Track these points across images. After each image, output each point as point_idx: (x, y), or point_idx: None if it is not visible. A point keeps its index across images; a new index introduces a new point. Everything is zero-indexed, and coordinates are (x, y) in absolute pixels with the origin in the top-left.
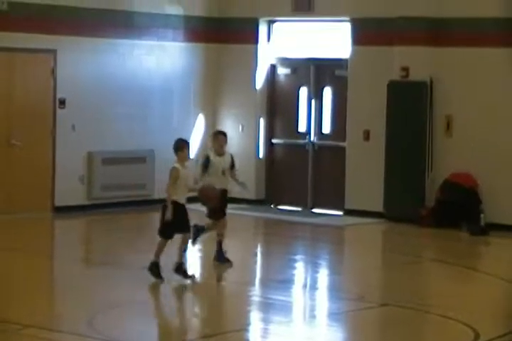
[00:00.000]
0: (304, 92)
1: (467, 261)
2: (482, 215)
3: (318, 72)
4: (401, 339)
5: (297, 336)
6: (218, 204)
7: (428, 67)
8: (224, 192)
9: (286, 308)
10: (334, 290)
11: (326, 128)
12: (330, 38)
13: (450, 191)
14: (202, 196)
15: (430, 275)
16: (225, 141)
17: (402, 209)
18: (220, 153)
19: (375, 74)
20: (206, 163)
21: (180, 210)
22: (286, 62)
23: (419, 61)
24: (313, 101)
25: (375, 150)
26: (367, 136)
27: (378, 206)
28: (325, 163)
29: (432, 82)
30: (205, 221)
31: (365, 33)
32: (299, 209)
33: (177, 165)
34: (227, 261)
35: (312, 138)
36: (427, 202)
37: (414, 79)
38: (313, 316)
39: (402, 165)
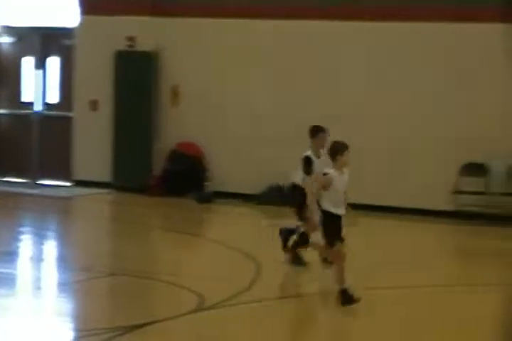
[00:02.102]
0: (28, 62)
1: (193, 228)
2: (207, 183)
3: (44, 41)
4: (129, 308)
5: (24, 308)
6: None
7: (155, 37)
8: None
9: (11, 281)
10: (61, 261)
11: (52, 98)
12: (57, 7)
13: (177, 160)
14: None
15: (158, 243)
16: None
17: (131, 179)
18: (319, 154)
19: (102, 44)
20: (309, 164)
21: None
22: (10, 30)
23: (146, 31)
24: (38, 71)
25: (102, 120)
26: (94, 105)
27: (107, 176)
28: (51, 133)
29: (158, 51)
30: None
31: (92, 2)
32: (25, 180)
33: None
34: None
35: (37, 109)
36: (155, 172)
37: (140, 49)
38: (39, 287)
39: (130, 135)
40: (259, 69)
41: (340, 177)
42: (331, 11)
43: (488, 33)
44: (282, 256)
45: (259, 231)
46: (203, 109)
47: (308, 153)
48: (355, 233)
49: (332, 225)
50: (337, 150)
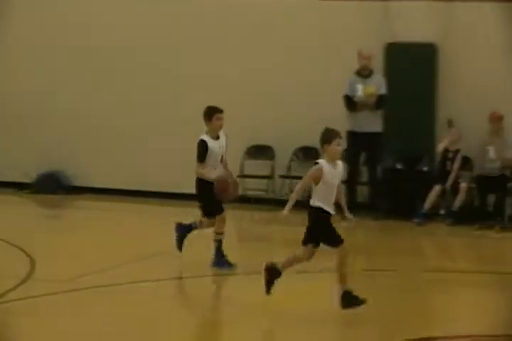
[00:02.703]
0: None
1: None
2: None
3: None
4: None
5: None
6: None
7: None
8: None
9: None
10: None
11: None
12: None
13: None
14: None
15: None
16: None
17: None
18: (217, 135)
19: None
20: (205, 150)
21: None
22: None
23: None
24: None
25: None
26: None
27: None
28: None
29: None
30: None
31: None
32: None
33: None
34: (230, 265)
35: None
36: None
37: None
38: None
39: None
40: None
41: (331, 170)
42: None
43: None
44: (57, 248)
45: (33, 223)
46: None
47: (204, 136)
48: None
49: (321, 224)
50: (324, 139)
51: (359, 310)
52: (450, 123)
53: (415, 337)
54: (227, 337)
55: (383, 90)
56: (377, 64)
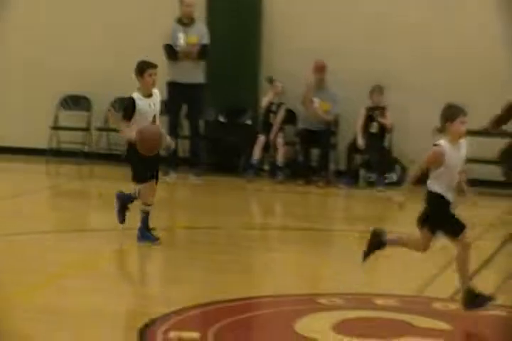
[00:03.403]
0: None
1: None
2: None
3: None
4: None
5: None
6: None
7: None
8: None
9: None
10: None
11: None
12: None
13: None
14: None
15: None
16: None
17: None
18: (149, 93)
19: None
20: (131, 108)
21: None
22: None
23: None
24: None
25: None
26: None
27: None
28: None
29: None
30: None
31: None
32: None
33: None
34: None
35: None
36: None
37: None
38: None
39: None
40: None
41: (453, 151)
42: None
43: None
44: None
45: None
46: None
47: (134, 94)
48: None
49: (440, 212)
50: (446, 117)
51: (487, 308)
52: (270, 81)
53: (236, 297)
54: (42, 298)
55: (206, 40)
56: (200, 12)
